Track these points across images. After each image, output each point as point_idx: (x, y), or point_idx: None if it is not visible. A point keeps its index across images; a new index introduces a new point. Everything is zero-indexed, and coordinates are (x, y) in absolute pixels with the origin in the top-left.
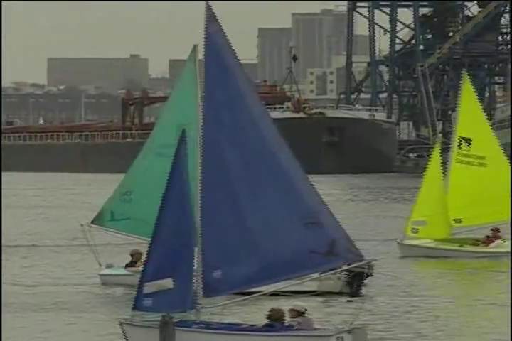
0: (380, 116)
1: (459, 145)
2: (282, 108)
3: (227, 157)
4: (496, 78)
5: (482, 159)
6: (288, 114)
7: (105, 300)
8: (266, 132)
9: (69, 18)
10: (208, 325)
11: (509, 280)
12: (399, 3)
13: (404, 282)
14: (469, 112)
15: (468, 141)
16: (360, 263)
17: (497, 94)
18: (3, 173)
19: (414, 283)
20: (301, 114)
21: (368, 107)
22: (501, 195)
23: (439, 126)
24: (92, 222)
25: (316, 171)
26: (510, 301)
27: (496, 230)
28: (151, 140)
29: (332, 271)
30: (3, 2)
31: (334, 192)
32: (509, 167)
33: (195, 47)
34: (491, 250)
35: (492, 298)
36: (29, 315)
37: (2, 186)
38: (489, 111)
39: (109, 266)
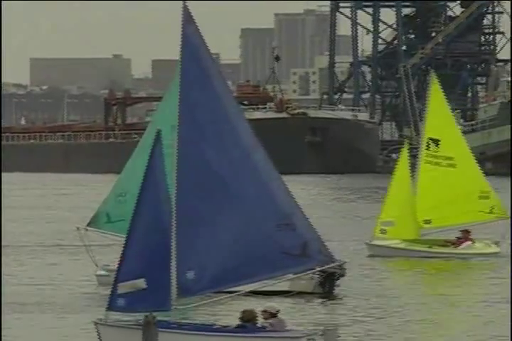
0: (363, 116)
1: (428, 146)
2: (265, 108)
3: (202, 157)
4: (479, 78)
5: (451, 160)
6: (271, 114)
7: (92, 301)
8: (242, 133)
9: (48, 18)
10: (180, 326)
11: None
12: (381, 3)
13: (375, 282)
14: (437, 113)
15: (436, 141)
16: (331, 265)
17: (479, 94)
18: None
19: (384, 284)
20: (283, 114)
21: (351, 107)
22: (470, 196)
23: (422, 126)
24: (88, 225)
25: (299, 171)
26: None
27: (466, 231)
28: (145, 140)
29: (305, 273)
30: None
31: (316, 192)
32: (477, 167)
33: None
34: (461, 251)
35: (464, 296)
36: (14, 316)
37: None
38: (472, 111)
39: (105, 267)
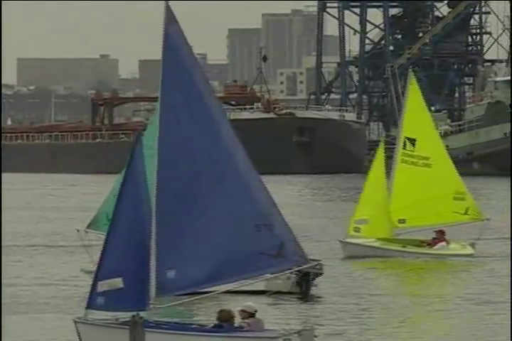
0: (350, 116)
1: (404, 145)
2: (252, 108)
3: (184, 158)
4: (466, 79)
5: (426, 160)
6: (258, 115)
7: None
8: (224, 133)
9: (39, 19)
10: (158, 325)
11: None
12: (369, 3)
13: (351, 281)
14: (414, 112)
15: (412, 141)
16: (305, 266)
17: (467, 94)
18: None
19: (359, 282)
20: (271, 115)
21: (338, 108)
22: (445, 197)
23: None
24: (88, 227)
25: (286, 171)
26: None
27: (440, 232)
28: (145, 141)
29: (281, 273)
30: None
31: (303, 192)
32: (453, 168)
33: None
34: (435, 252)
35: (437, 297)
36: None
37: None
38: (459, 111)
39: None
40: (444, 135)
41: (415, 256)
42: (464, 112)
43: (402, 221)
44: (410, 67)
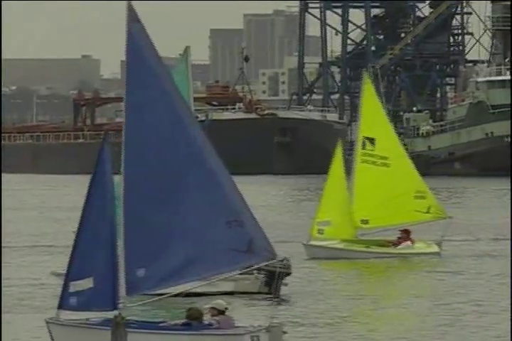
0: (332, 116)
1: (363, 145)
2: (234, 108)
3: (153, 157)
4: (448, 79)
5: (385, 159)
6: (240, 115)
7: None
8: (192, 132)
9: (14, 19)
10: (126, 324)
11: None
12: (350, 4)
13: (318, 281)
14: (371, 112)
15: (372, 140)
16: (273, 261)
17: (448, 95)
18: None
19: (325, 284)
20: (253, 115)
21: (320, 108)
22: (406, 196)
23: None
24: None
25: (268, 171)
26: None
27: (405, 231)
28: None
29: (250, 269)
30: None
31: (284, 193)
32: (412, 167)
33: (187, 48)
34: (400, 251)
35: (401, 296)
36: None
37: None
38: (441, 112)
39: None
40: (426, 135)
41: (379, 256)
42: (446, 113)
43: (364, 221)
44: (393, 67)
